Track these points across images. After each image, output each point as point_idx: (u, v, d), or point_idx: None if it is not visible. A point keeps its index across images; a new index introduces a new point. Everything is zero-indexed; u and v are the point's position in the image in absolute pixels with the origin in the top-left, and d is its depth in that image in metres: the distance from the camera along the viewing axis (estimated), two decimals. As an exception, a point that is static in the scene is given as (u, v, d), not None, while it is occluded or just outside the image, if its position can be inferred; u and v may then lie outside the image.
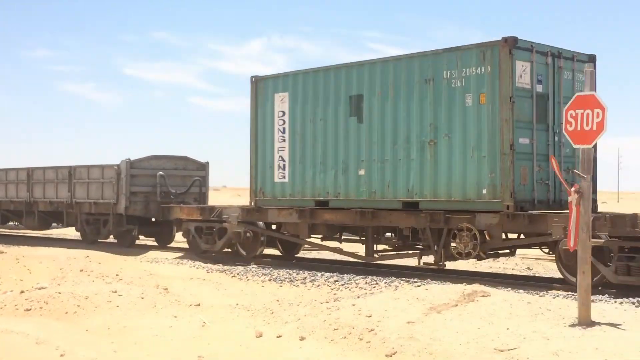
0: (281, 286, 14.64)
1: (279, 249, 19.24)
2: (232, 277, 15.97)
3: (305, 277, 15.17)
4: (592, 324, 8.77)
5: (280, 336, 9.56)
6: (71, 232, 27.26)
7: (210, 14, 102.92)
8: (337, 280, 14.58)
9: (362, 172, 15.81)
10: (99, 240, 23.07)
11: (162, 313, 11.01)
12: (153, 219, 22.16)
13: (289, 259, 18.76)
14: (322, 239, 17.71)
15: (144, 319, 10.72)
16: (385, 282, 13.83)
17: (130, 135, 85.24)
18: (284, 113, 17.43)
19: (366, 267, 16.17)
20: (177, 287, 13.73)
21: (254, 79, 18.17)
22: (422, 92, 14.60)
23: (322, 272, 15.58)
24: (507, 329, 8.67)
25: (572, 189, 8.80)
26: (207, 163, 23.46)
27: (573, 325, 8.74)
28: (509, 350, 7.69)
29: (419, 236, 14.83)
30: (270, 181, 17.77)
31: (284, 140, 17.43)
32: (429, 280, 13.73)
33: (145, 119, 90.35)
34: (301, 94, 17.01)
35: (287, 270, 16.07)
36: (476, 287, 11.15)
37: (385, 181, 15.34)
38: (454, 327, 8.96)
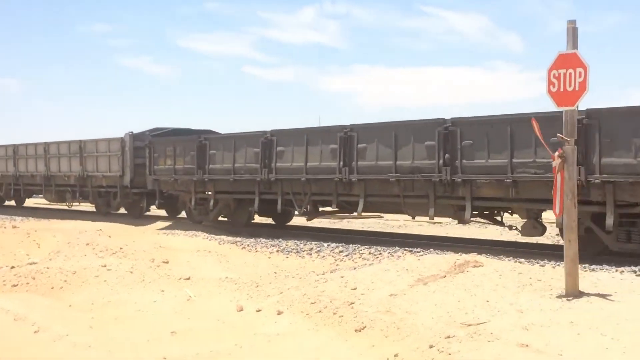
0: (287, 257, 14.46)
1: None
2: (242, 248, 15.87)
3: (312, 248, 14.95)
4: (580, 295, 8.28)
5: (259, 310, 9.37)
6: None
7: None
8: (342, 251, 14.33)
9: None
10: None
11: (149, 287, 10.90)
12: None
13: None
14: None
15: (130, 293, 10.63)
16: (389, 252, 13.51)
17: (189, 107, 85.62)
18: None
19: (371, 237, 15.84)
20: (181, 260, 13.65)
21: None
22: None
23: (329, 243, 15.33)
24: (487, 301, 8.29)
25: (556, 153, 8.30)
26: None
27: (559, 297, 8.27)
28: (476, 324, 7.30)
29: None
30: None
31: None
32: (431, 250, 13.35)
33: (202, 91, 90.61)
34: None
35: (295, 241, 15.87)
36: (471, 257, 10.76)
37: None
38: (434, 299, 8.63)
